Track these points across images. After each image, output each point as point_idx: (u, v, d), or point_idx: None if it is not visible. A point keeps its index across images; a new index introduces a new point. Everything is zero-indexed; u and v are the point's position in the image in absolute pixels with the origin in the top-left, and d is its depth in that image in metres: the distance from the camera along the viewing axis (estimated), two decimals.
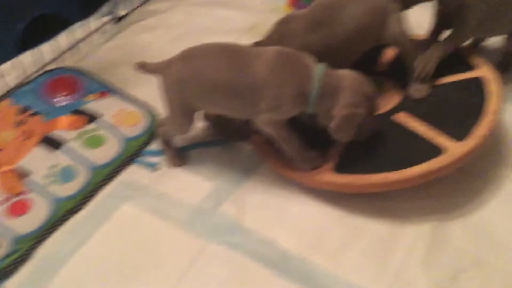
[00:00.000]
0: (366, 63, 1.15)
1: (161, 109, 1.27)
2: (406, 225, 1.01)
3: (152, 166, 1.16)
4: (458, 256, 0.96)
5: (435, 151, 0.99)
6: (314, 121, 1.07)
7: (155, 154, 1.19)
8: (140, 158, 1.18)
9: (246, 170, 1.14)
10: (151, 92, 1.31)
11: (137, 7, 1.64)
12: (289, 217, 1.04)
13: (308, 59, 0.99)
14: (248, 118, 1.03)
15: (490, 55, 1.23)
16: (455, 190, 1.06)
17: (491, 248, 0.97)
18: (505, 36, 1.25)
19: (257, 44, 1.11)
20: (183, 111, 1.06)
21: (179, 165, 1.15)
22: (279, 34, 1.11)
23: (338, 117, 0.96)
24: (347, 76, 0.98)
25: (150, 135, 1.22)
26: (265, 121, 1.00)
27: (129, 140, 1.20)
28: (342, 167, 1.02)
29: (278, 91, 0.96)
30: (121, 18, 1.60)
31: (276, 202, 1.07)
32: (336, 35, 1.09)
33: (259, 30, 1.55)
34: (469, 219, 1.01)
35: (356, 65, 1.07)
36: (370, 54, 1.17)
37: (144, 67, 1.08)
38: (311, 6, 1.14)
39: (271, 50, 0.99)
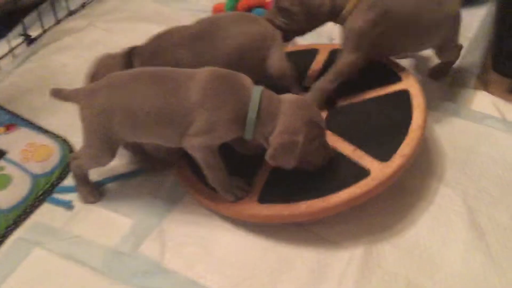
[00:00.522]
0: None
1: (77, 139, 1.19)
2: (338, 250, 0.96)
3: (66, 205, 1.06)
4: (390, 280, 0.91)
5: (361, 173, 0.95)
6: (241, 146, 1.02)
7: (69, 190, 1.09)
8: (52, 197, 1.08)
9: (168, 203, 1.06)
10: (65, 121, 1.23)
11: (51, 26, 1.53)
12: (214, 252, 0.97)
13: (245, 81, 0.93)
14: (180, 144, 0.95)
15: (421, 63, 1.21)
16: (386, 208, 1.02)
17: (423, 268, 0.93)
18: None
19: (132, 49, 1.07)
20: (106, 144, 0.97)
21: (93, 202, 1.06)
22: (153, 47, 1.06)
23: (274, 145, 0.90)
24: (287, 100, 0.92)
25: (63, 169, 1.12)
26: (196, 145, 0.93)
27: (39, 177, 1.10)
28: (266, 197, 0.97)
29: (212, 114, 0.89)
30: (33, 40, 1.49)
31: (200, 237, 1.00)
32: (214, 55, 1.03)
33: None
34: (400, 239, 0.97)
35: None
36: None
37: (60, 94, 0.99)
38: (197, 20, 1.09)
39: (205, 71, 0.93)
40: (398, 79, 1.12)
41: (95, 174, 1.10)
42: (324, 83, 1.09)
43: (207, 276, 0.93)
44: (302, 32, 1.13)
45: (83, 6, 1.60)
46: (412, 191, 1.05)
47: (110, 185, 1.10)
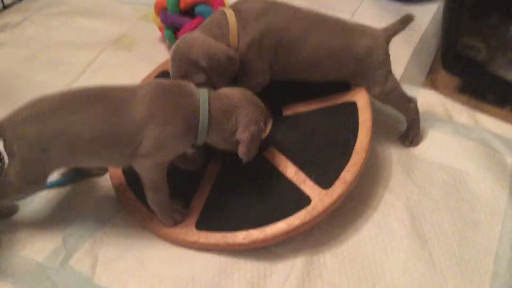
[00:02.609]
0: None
1: None
2: (279, 261, 0.93)
3: None
4: None
5: (301, 201, 0.92)
6: (183, 160, 0.99)
7: None
8: None
9: (101, 216, 1.00)
10: None
11: None
12: (149, 266, 0.92)
13: (190, 87, 0.89)
14: (128, 165, 0.89)
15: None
16: (329, 215, 0.98)
17: (364, 278, 0.90)
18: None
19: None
20: (40, 175, 0.89)
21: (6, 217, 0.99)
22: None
23: (245, 140, 0.88)
24: (235, 94, 0.90)
25: None
26: (147, 164, 0.87)
27: None
28: (204, 223, 0.93)
29: (163, 129, 0.84)
30: None
31: (134, 251, 0.94)
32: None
33: (127, 40, 1.42)
34: (343, 247, 0.95)
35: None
36: None
37: None
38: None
39: (147, 85, 0.88)
40: (347, 88, 1.07)
41: None
42: None
43: None
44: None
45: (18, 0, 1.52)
46: (357, 197, 1.02)
47: (40, 195, 1.03)
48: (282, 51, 1.00)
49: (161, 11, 1.34)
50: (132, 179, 0.97)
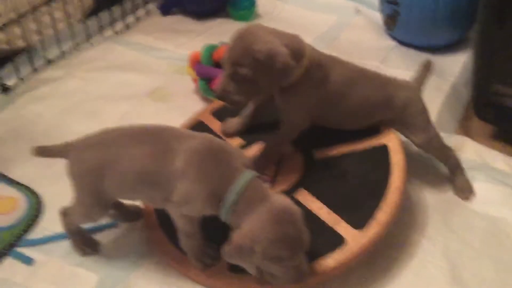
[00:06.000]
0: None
1: (45, 189, 1.15)
2: None
3: (27, 261, 1.01)
4: None
5: (335, 242, 0.91)
6: None
7: (33, 244, 1.04)
8: (15, 250, 1.03)
9: (136, 258, 1.00)
10: (35, 172, 1.20)
11: (28, 75, 1.51)
12: None
13: (236, 161, 0.85)
14: (164, 207, 0.91)
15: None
16: (364, 262, 0.96)
17: None
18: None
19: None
20: (98, 200, 0.92)
21: (92, 253, 1.01)
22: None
23: (232, 242, 0.80)
24: (271, 202, 0.81)
25: (28, 222, 1.07)
26: (177, 213, 0.88)
27: (3, 230, 1.05)
28: (238, 266, 0.90)
29: (188, 186, 0.84)
30: (8, 89, 1.46)
31: None
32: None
33: (162, 93, 1.46)
34: None
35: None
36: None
37: (45, 152, 0.96)
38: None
39: (198, 138, 0.88)
40: (376, 132, 1.08)
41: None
42: (272, 145, 1.07)
43: None
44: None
45: (61, 56, 1.59)
46: (393, 243, 1.00)
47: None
48: (325, 101, 1.03)
49: (196, 64, 1.39)
50: (164, 220, 0.96)
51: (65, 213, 0.99)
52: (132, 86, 1.49)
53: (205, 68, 1.37)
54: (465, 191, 1.11)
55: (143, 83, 1.49)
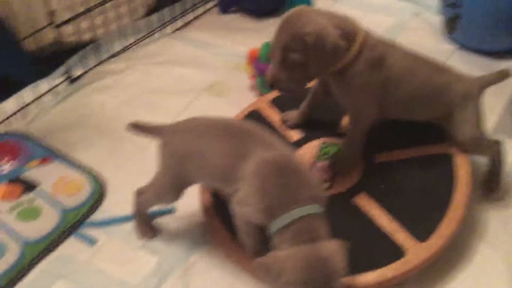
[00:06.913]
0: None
1: (108, 174, 1.20)
2: None
3: (91, 242, 1.06)
4: None
5: (395, 252, 0.90)
6: None
7: (96, 225, 1.09)
8: (78, 231, 1.08)
9: (193, 243, 1.04)
10: (99, 157, 1.25)
11: (93, 67, 1.58)
12: None
13: (307, 191, 0.83)
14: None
15: None
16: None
17: None
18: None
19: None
20: (176, 183, 0.96)
21: (152, 237, 1.05)
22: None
23: (263, 260, 0.80)
24: (319, 246, 0.79)
25: (92, 204, 1.12)
26: (235, 211, 0.90)
27: (68, 211, 1.10)
28: None
29: (249, 193, 0.85)
30: (75, 79, 1.53)
31: (222, 282, 0.97)
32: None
33: (219, 88, 1.49)
34: None
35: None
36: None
37: (139, 128, 1.00)
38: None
39: (276, 150, 0.87)
40: (442, 139, 1.07)
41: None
42: (345, 152, 1.07)
43: None
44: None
45: (124, 49, 1.66)
46: (451, 248, 0.98)
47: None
48: (384, 87, 1.01)
49: (254, 60, 1.41)
50: (222, 208, 0.98)
51: (139, 192, 1.03)
52: (190, 80, 1.53)
53: (264, 66, 1.39)
54: (491, 190, 1.08)
55: (200, 78, 1.53)
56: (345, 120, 1.14)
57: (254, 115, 1.23)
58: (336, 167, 1.07)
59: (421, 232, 0.92)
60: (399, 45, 1.05)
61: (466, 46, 1.57)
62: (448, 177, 1.00)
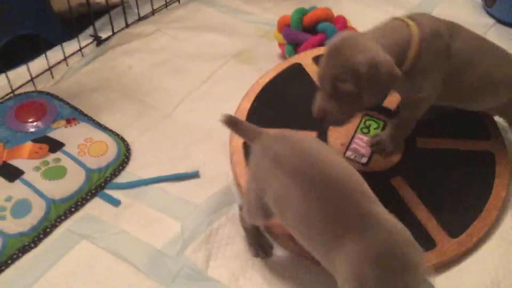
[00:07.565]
0: None
1: (133, 138, 1.20)
2: None
3: (115, 203, 1.06)
4: None
5: (426, 242, 0.89)
6: None
7: (120, 187, 1.09)
8: (103, 192, 1.08)
9: (218, 209, 1.03)
10: (125, 121, 1.25)
11: (120, 30, 1.56)
12: (260, 268, 0.93)
13: (407, 277, 0.68)
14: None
15: None
16: None
17: None
18: None
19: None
20: (259, 201, 0.84)
21: (263, 257, 0.95)
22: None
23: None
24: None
25: (117, 166, 1.12)
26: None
27: (93, 171, 1.10)
28: None
29: None
30: (102, 41, 1.52)
31: (246, 250, 0.97)
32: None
33: (247, 55, 1.47)
34: None
35: None
36: None
37: (234, 125, 0.87)
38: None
39: (384, 227, 0.73)
40: (486, 136, 1.05)
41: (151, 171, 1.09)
42: (393, 135, 1.03)
43: None
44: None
45: (152, 13, 1.63)
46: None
47: (160, 186, 1.09)
48: (450, 73, 0.94)
49: (284, 27, 1.38)
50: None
51: (240, 207, 0.95)
52: (219, 47, 1.50)
53: (294, 32, 1.36)
54: None
55: (229, 45, 1.50)
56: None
57: (297, 69, 1.21)
58: (379, 146, 1.04)
59: (454, 229, 0.92)
60: (463, 27, 0.98)
61: (505, 20, 1.51)
62: (487, 176, 1.00)
